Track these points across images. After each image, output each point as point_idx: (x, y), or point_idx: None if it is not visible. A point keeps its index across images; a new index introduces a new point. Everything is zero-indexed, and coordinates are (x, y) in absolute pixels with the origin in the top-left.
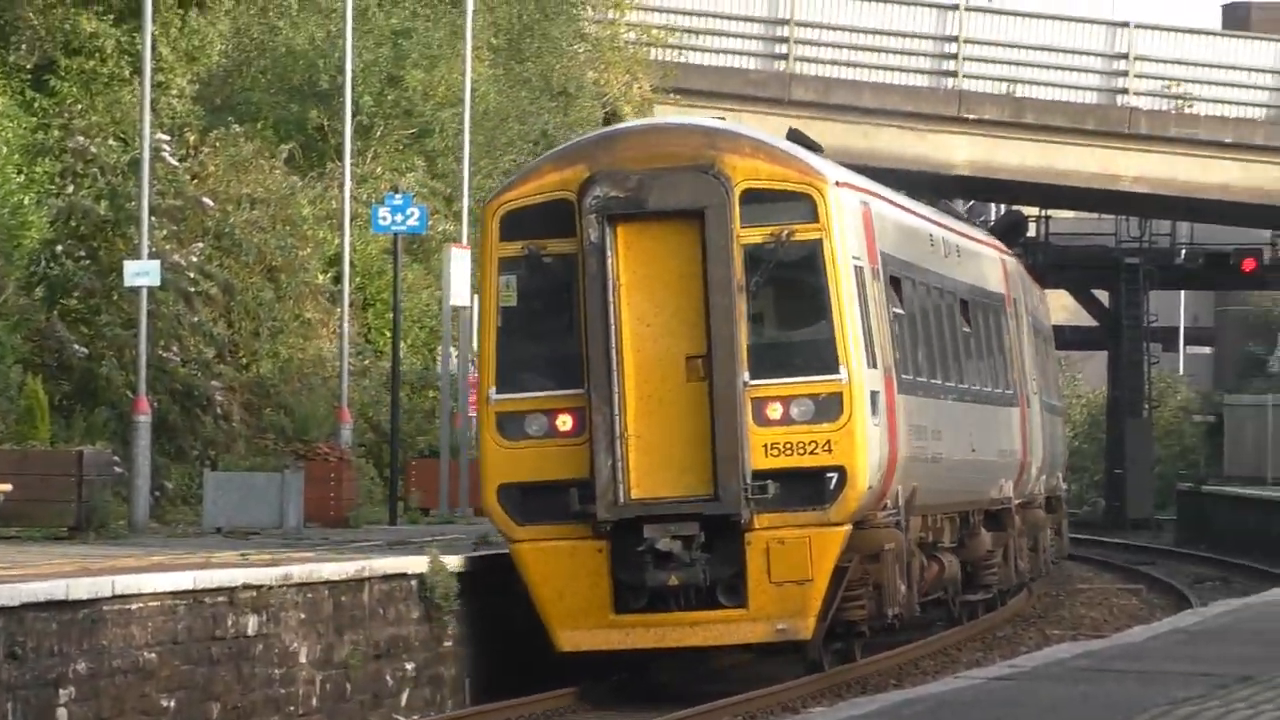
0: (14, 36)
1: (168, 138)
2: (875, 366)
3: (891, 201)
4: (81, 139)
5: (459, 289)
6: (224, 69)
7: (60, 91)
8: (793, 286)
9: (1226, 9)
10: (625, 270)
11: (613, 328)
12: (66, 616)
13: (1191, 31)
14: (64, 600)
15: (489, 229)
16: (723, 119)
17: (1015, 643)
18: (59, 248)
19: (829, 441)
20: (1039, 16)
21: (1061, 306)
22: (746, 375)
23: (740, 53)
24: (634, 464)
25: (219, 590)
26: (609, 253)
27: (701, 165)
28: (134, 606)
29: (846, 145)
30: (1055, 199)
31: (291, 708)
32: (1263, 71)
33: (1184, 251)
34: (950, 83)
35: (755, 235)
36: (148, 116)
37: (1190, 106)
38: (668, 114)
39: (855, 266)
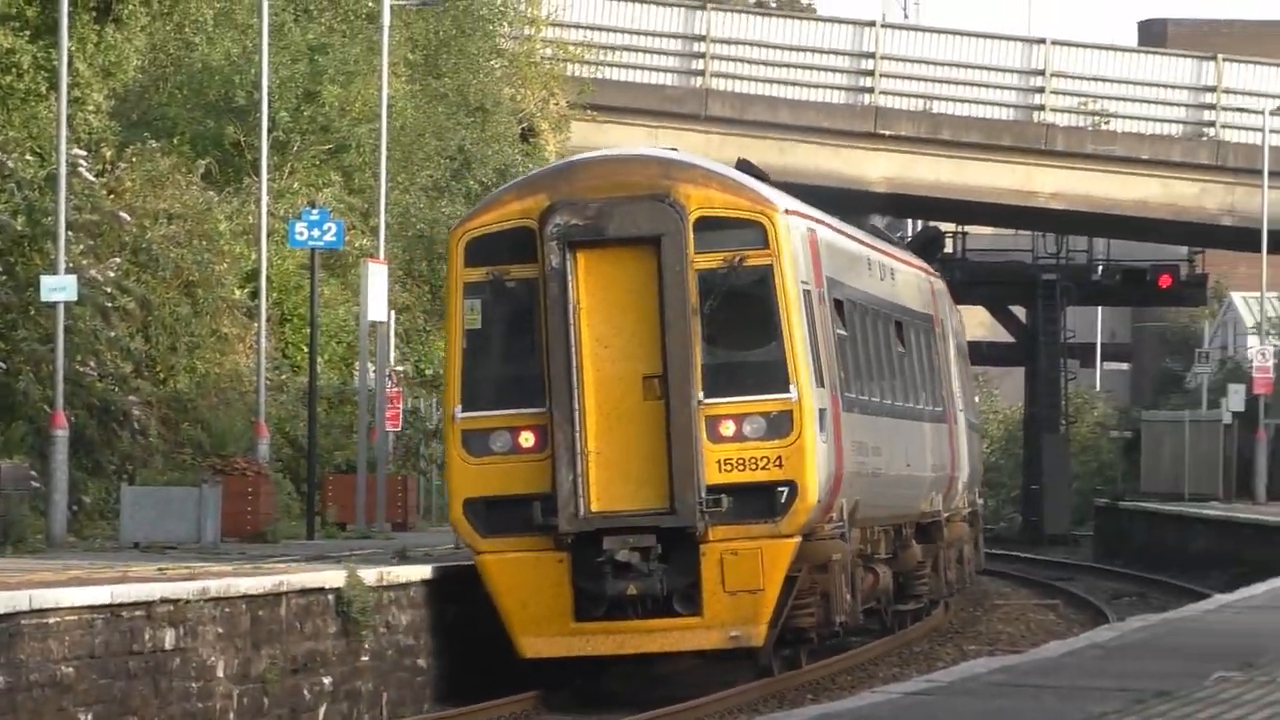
0: None
1: (84, 153)
2: (823, 385)
3: (834, 228)
4: None
5: (376, 304)
6: (140, 85)
7: None
8: (745, 309)
9: (1143, 26)
10: (585, 294)
11: (573, 349)
12: None
13: (1108, 48)
14: None
15: (454, 255)
16: (675, 149)
17: (932, 658)
18: None
19: (780, 457)
20: (956, 33)
21: (979, 323)
22: (701, 394)
23: (657, 69)
24: (594, 479)
25: (136, 605)
26: (569, 278)
27: (658, 194)
28: (51, 621)
29: (763, 161)
30: (972, 215)
31: None
32: (1179, 88)
33: (1101, 268)
34: (867, 99)
35: (709, 261)
36: (64, 132)
37: (1107, 123)
38: (584, 130)
39: (804, 290)
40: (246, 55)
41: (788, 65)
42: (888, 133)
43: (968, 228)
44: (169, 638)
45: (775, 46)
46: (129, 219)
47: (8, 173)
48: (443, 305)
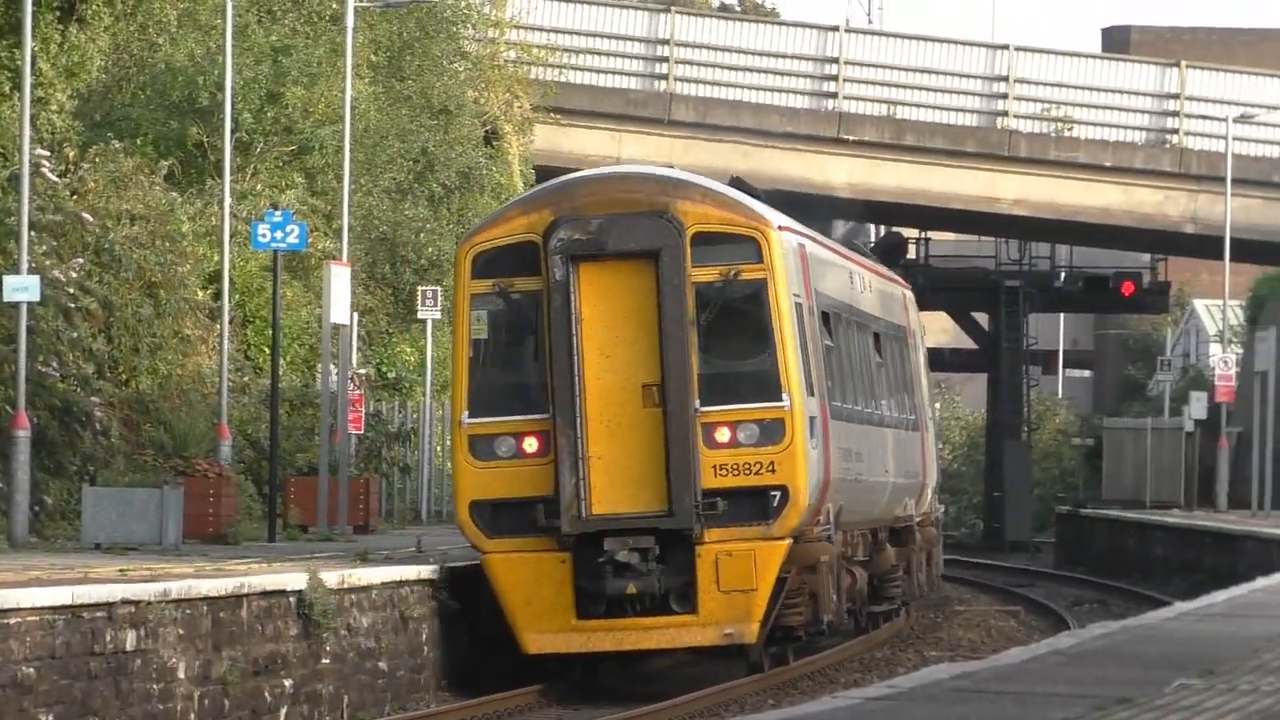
0: None
1: (47, 153)
2: (813, 394)
3: (821, 243)
4: None
5: (339, 306)
6: (104, 85)
7: None
8: (739, 321)
9: (1106, 32)
10: (587, 306)
11: (575, 358)
12: None
13: (1071, 55)
14: None
15: (462, 267)
16: (671, 166)
17: (893, 663)
18: None
19: (772, 463)
20: (919, 39)
21: (941, 329)
22: (697, 402)
23: (621, 72)
24: (595, 483)
25: (98, 605)
26: (572, 290)
27: (657, 210)
28: (12, 621)
29: (727, 165)
30: (935, 221)
31: None
32: (1142, 95)
33: (1064, 274)
34: (830, 104)
35: (705, 274)
36: (27, 132)
37: (1070, 129)
38: (547, 133)
39: (795, 303)
40: (210, 56)
41: (751, 70)
42: (851, 138)
43: (931, 233)
44: (130, 639)
45: (739, 51)
46: (92, 219)
47: None
48: (405, 308)
